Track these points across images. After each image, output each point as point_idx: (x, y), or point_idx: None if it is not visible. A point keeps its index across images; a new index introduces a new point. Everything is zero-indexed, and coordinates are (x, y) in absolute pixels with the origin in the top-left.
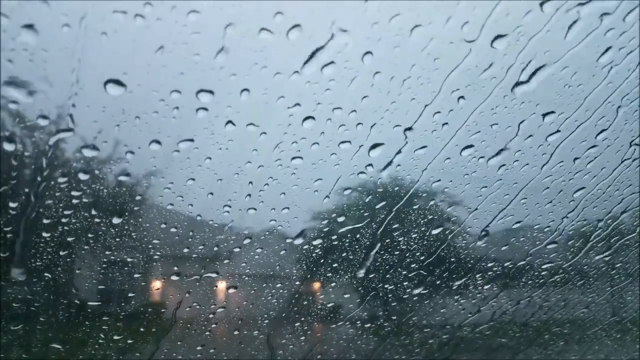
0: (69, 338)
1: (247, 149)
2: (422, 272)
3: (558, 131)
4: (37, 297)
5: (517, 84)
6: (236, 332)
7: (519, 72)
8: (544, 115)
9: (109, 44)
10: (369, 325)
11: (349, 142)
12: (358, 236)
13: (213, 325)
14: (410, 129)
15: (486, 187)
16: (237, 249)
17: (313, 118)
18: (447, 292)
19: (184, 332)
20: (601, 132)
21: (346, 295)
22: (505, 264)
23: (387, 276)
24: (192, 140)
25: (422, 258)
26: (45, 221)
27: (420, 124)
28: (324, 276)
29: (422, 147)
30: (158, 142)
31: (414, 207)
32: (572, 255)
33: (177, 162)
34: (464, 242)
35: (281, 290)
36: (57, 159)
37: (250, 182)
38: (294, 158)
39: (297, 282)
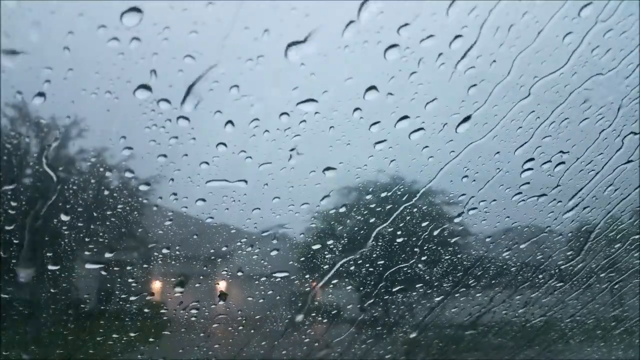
0: (69, 338)
1: (246, 148)
2: (422, 272)
3: (558, 131)
4: (37, 297)
5: (517, 84)
6: (236, 332)
7: (519, 73)
8: (544, 115)
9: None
10: (369, 325)
11: (349, 141)
12: (358, 236)
13: (214, 325)
14: (410, 129)
15: (486, 187)
16: (237, 249)
17: (312, 115)
18: (447, 293)
19: (184, 332)
20: (601, 132)
21: (346, 296)
22: (505, 264)
23: (387, 276)
24: (194, 138)
25: (422, 258)
26: (45, 221)
27: (420, 124)
28: (325, 276)
29: (423, 147)
30: (158, 142)
31: (414, 207)
32: (572, 255)
33: (178, 163)
34: (464, 242)
35: (282, 290)
36: (58, 159)
37: (250, 181)
38: (292, 157)
39: (298, 282)
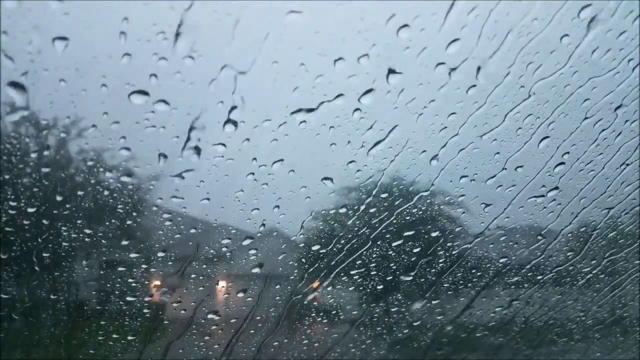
0: (69, 338)
1: (247, 148)
2: (422, 272)
3: (558, 132)
4: (37, 297)
5: (517, 84)
6: (236, 332)
7: (519, 73)
8: (544, 115)
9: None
10: (369, 325)
11: (349, 141)
12: (358, 236)
13: (213, 326)
14: (410, 129)
15: (486, 187)
16: (237, 249)
17: (312, 114)
18: (447, 292)
19: (184, 332)
20: (601, 132)
21: (346, 296)
22: (505, 264)
23: (387, 276)
24: (190, 139)
25: (422, 258)
26: (45, 221)
27: (420, 125)
28: (324, 276)
29: (422, 151)
30: (158, 142)
31: (414, 207)
32: (572, 255)
33: (178, 163)
34: (464, 242)
35: (282, 291)
36: (58, 159)
37: (250, 181)
38: (292, 158)
39: (297, 282)
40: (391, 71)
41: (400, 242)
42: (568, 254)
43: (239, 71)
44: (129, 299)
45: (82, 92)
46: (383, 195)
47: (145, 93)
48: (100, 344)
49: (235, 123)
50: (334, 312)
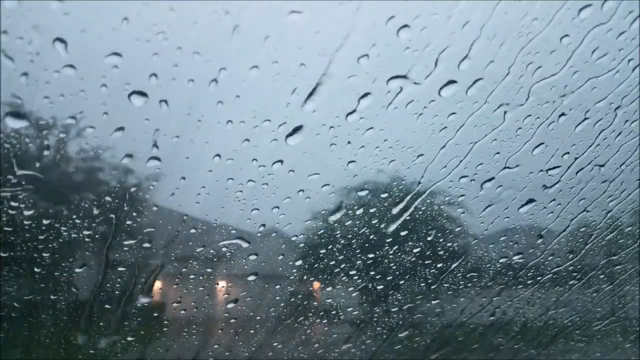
0: (69, 338)
1: (247, 148)
2: (422, 272)
3: (558, 132)
4: (37, 297)
5: (517, 84)
6: (237, 333)
7: (519, 73)
8: (544, 115)
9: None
10: (369, 325)
11: (349, 141)
12: (358, 236)
13: (214, 326)
14: (410, 130)
15: (485, 188)
16: (237, 249)
17: (313, 116)
18: (447, 292)
19: (184, 332)
20: (601, 132)
21: (346, 295)
22: (505, 264)
23: (387, 276)
24: (191, 140)
25: (421, 258)
26: (45, 221)
27: (419, 126)
28: (324, 276)
29: (422, 151)
30: (158, 142)
31: (414, 208)
32: (572, 256)
33: (177, 162)
34: (464, 242)
35: (282, 291)
36: (57, 158)
37: (250, 181)
38: (292, 158)
39: (297, 283)
40: (391, 72)
41: (399, 242)
42: (568, 254)
43: (238, 72)
44: (128, 299)
45: (82, 92)
46: (383, 196)
47: (145, 93)
48: (101, 343)
49: (234, 124)
50: (334, 312)
